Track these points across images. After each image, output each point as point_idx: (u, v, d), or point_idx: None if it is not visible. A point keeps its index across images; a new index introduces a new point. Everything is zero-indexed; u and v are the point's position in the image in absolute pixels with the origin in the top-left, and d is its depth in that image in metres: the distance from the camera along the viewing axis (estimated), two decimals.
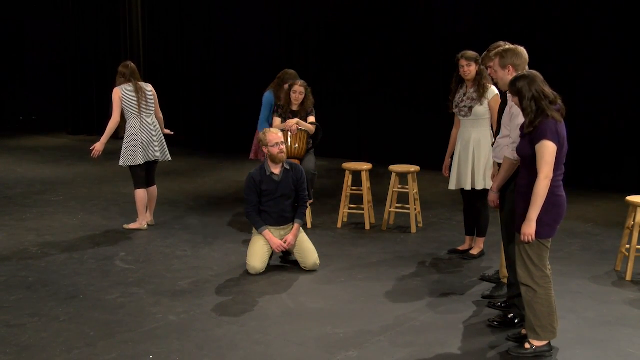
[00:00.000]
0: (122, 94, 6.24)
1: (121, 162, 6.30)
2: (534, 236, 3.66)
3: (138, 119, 6.29)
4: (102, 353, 3.86)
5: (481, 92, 5.31)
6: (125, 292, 4.83)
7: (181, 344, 3.99)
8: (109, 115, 6.34)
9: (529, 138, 3.65)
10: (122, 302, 4.64)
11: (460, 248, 5.74)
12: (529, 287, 3.77)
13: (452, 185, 5.57)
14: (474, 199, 5.52)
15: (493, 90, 5.27)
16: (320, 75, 10.01)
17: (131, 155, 6.25)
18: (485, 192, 5.37)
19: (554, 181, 3.67)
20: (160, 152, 6.43)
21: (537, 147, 3.60)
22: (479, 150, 5.39)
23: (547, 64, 6.40)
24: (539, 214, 3.66)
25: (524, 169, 3.77)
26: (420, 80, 9.59)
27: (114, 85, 6.34)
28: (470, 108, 5.35)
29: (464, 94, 5.41)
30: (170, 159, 6.56)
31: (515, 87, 3.67)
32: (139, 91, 6.29)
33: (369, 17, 9.94)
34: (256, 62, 11.14)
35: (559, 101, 3.69)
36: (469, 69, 5.32)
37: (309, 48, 10.65)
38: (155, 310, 4.48)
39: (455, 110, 5.48)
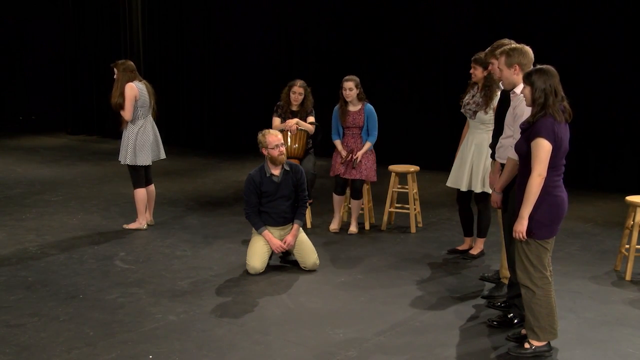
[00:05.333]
0: (138, 92, 6.20)
1: (129, 161, 6.24)
2: (525, 234, 3.66)
3: (147, 119, 6.30)
4: (102, 353, 3.86)
5: (487, 99, 5.29)
6: (125, 292, 4.82)
7: (181, 344, 3.98)
8: (107, 106, 6.22)
9: (526, 136, 3.66)
10: (121, 302, 4.64)
11: (460, 248, 5.74)
12: (528, 288, 3.77)
13: (449, 182, 5.62)
14: (474, 200, 5.53)
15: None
16: (320, 76, 10.00)
17: (137, 155, 6.23)
18: (485, 194, 5.38)
19: (552, 181, 3.66)
20: (163, 151, 6.51)
21: (532, 144, 3.60)
22: (479, 154, 5.40)
23: (547, 63, 6.39)
24: (538, 215, 3.65)
25: (522, 168, 3.77)
26: (420, 80, 9.59)
27: (114, 79, 6.26)
28: (475, 112, 5.35)
29: (472, 97, 5.41)
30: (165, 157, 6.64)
31: (531, 78, 3.65)
32: (150, 92, 6.31)
33: (369, 17, 9.94)
34: (256, 62, 11.14)
35: (565, 103, 3.68)
36: (475, 72, 5.32)
37: (309, 48, 10.65)
38: (155, 310, 4.48)
39: (462, 110, 5.49)
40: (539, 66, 3.77)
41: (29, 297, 4.72)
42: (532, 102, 3.65)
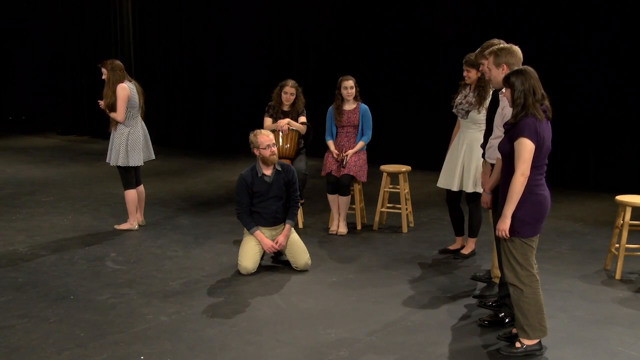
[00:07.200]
0: (130, 92, 6.18)
1: (121, 163, 6.21)
2: (508, 232, 3.68)
3: (137, 119, 6.29)
4: (93, 354, 3.84)
5: (480, 99, 5.31)
6: (116, 292, 4.81)
7: (172, 344, 3.97)
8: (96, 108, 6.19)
9: (509, 136, 3.68)
10: (112, 302, 4.62)
11: (451, 247, 5.76)
12: (516, 286, 3.78)
13: (440, 183, 5.64)
14: (465, 200, 5.55)
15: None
16: (314, 76, 10.01)
17: (129, 156, 6.22)
18: (476, 193, 5.39)
19: (534, 180, 3.69)
20: (153, 152, 6.51)
21: (515, 144, 3.62)
22: (469, 154, 5.42)
23: (541, 63, 6.44)
24: (521, 213, 3.68)
25: (505, 168, 3.78)
26: (412, 80, 9.61)
27: (104, 79, 6.23)
28: (467, 112, 5.38)
29: (464, 97, 5.43)
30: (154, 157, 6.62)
31: (509, 81, 3.70)
32: (139, 92, 6.29)
33: (366, 18, 9.94)
34: (249, 62, 11.12)
35: (546, 102, 3.71)
36: (468, 75, 5.35)
37: (302, 48, 10.64)
38: (146, 311, 4.47)
39: (454, 110, 5.51)
40: (516, 68, 3.81)
41: (18, 298, 4.69)
42: (513, 103, 3.68)
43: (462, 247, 5.71)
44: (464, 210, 5.68)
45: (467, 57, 5.36)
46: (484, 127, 5.16)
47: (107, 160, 6.36)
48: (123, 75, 6.22)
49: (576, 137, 8.17)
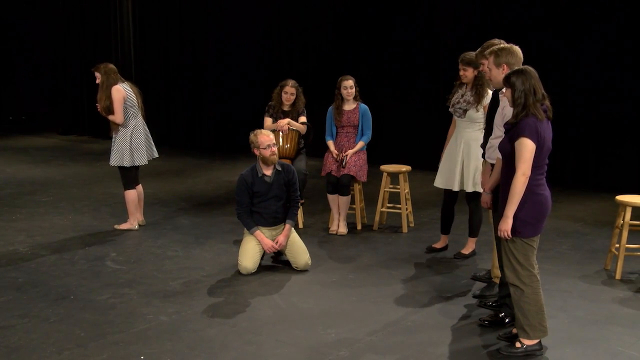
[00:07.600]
0: (125, 93, 6.19)
1: (126, 163, 6.21)
2: (509, 232, 3.68)
3: (138, 119, 6.29)
4: (93, 354, 3.84)
5: (478, 97, 5.31)
6: (116, 292, 4.81)
7: (172, 344, 3.98)
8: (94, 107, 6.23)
9: (509, 136, 3.68)
10: (113, 302, 4.62)
11: (436, 246, 5.78)
12: (517, 286, 3.78)
13: (438, 183, 5.63)
14: (465, 199, 5.55)
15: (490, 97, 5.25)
16: (313, 76, 10.01)
17: (134, 156, 6.22)
18: (476, 193, 5.39)
19: (535, 180, 3.69)
20: (155, 150, 6.52)
21: (516, 144, 3.62)
22: (468, 153, 5.42)
23: (541, 62, 6.46)
24: (522, 213, 3.67)
25: (505, 168, 3.78)
26: (411, 80, 9.62)
27: (99, 83, 6.24)
28: (465, 111, 5.38)
29: (462, 95, 5.43)
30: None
31: (510, 81, 3.69)
32: (135, 92, 6.30)
33: (366, 18, 9.95)
34: (249, 62, 11.12)
35: (547, 101, 3.71)
36: (465, 74, 5.35)
37: (301, 48, 10.64)
38: (147, 311, 4.47)
39: (451, 110, 5.51)
40: (517, 67, 3.80)
41: (18, 298, 4.69)
42: (513, 103, 3.68)
43: (446, 245, 5.76)
44: (456, 211, 5.69)
45: (462, 56, 5.36)
46: (481, 125, 5.16)
47: (111, 162, 6.34)
48: (117, 79, 6.23)
49: (576, 137, 8.17)
